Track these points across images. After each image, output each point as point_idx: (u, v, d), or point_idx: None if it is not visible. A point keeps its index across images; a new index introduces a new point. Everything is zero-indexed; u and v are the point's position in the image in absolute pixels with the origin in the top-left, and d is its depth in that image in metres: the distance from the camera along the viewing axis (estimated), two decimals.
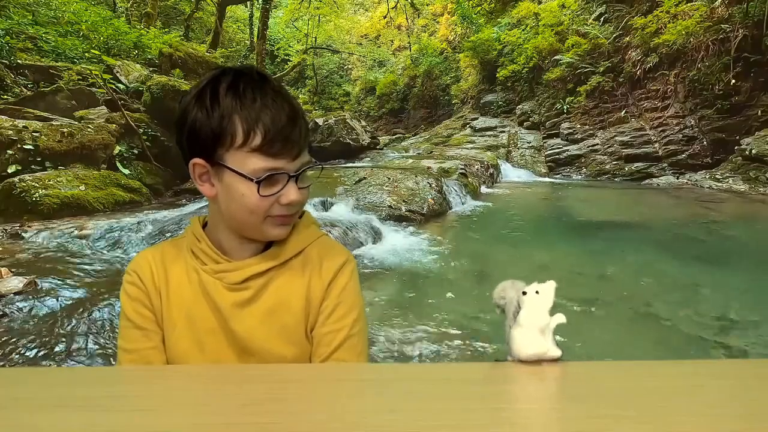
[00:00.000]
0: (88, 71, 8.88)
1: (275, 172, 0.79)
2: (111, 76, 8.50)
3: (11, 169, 6.02)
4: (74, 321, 2.93)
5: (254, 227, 0.84)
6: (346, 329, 0.87)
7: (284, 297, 0.87)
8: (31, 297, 3.21)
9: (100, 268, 4.00)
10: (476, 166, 9.28)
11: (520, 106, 13.79)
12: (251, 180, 0.79)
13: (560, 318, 0.65)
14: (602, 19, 12.23)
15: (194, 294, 0.86)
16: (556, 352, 0.64)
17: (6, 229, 4.91)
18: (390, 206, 6.11)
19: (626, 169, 10.56)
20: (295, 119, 0.80)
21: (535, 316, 0.64)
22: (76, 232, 4.85)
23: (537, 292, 0.65)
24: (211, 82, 0.80)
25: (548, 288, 0.65)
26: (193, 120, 0.80)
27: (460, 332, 3.01)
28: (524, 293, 0.65)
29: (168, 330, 0.87)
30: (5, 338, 2.71)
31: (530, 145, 12.50)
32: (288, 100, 0.81)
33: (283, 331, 0.86)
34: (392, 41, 23.14)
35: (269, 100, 0.78)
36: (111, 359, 2.60)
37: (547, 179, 10.99)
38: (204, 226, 0.92)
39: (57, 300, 3.21)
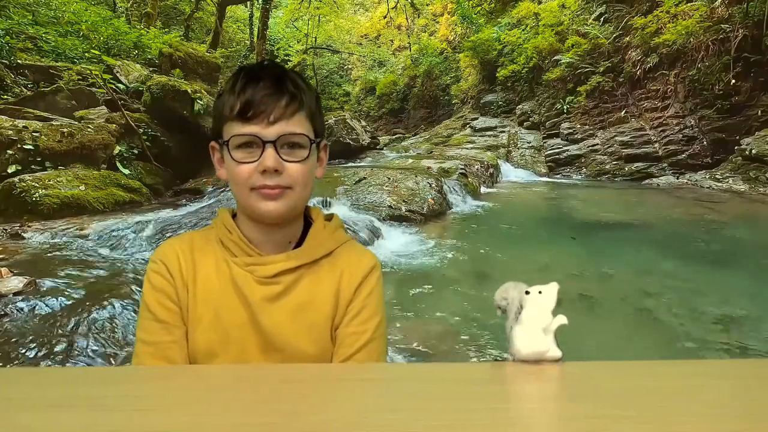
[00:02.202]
0: (88, 71, 8.87)
1: (246, 135, 0.80)
2: (111, 76, 8.49)
3: (11, 169, 6.01)
4: (74, 321, 2.92)
5: (245, 202, 0.84)
6: (368, 332, 0.88)
7: (313, 295, 0.87)
8: (31, 297, 3.21)
9: (100, 268, 4.00)
10: (476, 166, 9.27)
11: (520, 106, 13.79)
12: (226, 145, 0.82)
13: (562, 319, 0.65)
14: (602, 19, 12.23)
15: (223, 287, 0.86)
16: (557, 353, 0.64)
17: (6, 229, 4.90)
18: (390, 206, 6.11)
19: (626, 169, 10.56)
20: (281, 90, 0.81)
21: (537, 315, 0.64)
22: (76, 232, 4.84)
23: (540, 293, 0.65)
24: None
25: (551, 289, 0.65)
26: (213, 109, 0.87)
27: (460, 332, 3.01)
28: (527, 293, 0.65)
29: (193, 325, 0.85)
30: (5, 338, 2.71)
31: (530, 145, 12.50)
32: (283, 79, 0.82)
33: (311, 328, 0.86)
34: (392, 41, 23.14)
35: (258, 78, 0.82)
36: (111, 359, 2.60)
37: (547, 179, 10.99)
38: (233, 217, 0.92)
39: (57, 300, 3.20)
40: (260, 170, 0.80)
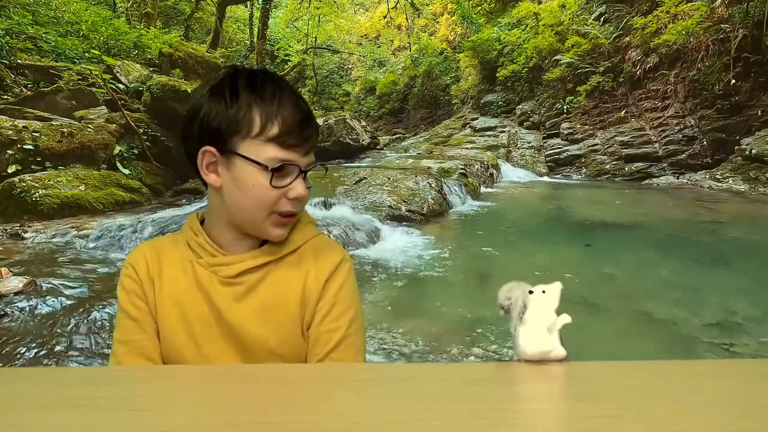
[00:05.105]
0: (88, 71, 8.88)
1: (289, 163, 0.81)
2: (111, 76, 8.49)
3: (11, 169, 6.02)
4: (74, 321, 2.93)
5: (257, 222, 0.84)
6: (342, 329, 0.87)
7: (279, 294, 0.87)
8: (31, 297, 3.21)
9: (99, 268, 4.00)
10: (476, 166, 9.28)
11: (520, 106, 13.79)
12: (266, 169, 0.81)
13: (566, 318, 0.65)
14: (602, 19, 12.23)
15: (188, 286, 0.86)
16: (562, 352, 0.64)
17: (6, 229, 4.91)
18: (390, 206, 6.11)
19: (626, 169, 10.56)
20: (310, 118, 0.84)
21: (541, 314, 0.64)
22: (76, 232, 4.84)
23: (543, 292, 0.65)
24: (228, 77, 0.83)
25: (554, 288, 0.65)
26: (208, 111, 0.81)
27: (460, 333, 3.01)
28: (531, 292, 0.65)
29: (161, 322, 0.86)
30: (5, 338, 2.71)
31: (530, 145, 12.49)
32: (303, 101, 0.85)
33: (278, 328, 0.86)
34: (392, 41, 23.13)
35: (286, 96, 0.82)
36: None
37: (547, 179, 10.99)
38: (202, 222, 0.92)
39: (57, 300, 3.21)
40: (291, 196, 0.83)
